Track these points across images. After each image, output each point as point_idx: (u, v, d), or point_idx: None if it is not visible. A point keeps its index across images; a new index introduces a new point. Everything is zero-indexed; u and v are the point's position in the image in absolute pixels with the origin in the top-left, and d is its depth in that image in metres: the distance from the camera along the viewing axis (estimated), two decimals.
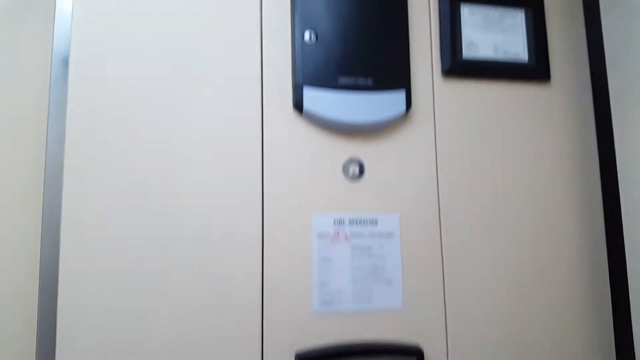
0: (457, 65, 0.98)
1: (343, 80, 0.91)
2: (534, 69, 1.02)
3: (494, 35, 1.01)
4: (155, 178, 0.85)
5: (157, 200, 0.84)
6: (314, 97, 0.89)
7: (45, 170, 0.83)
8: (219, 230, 0.85)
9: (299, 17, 0.91)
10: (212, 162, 0.87)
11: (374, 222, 0.91)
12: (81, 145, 0.83)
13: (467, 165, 0.97)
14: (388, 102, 0.92)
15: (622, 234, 0.95)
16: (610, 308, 0.99)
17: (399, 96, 0.93)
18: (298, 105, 0.90)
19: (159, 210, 0.84)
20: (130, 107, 0.86)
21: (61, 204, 0.81)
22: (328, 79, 0.90)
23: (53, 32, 0.87)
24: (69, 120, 0.84)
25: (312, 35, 0.91)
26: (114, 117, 0.85)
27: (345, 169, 0.91)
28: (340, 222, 0.90)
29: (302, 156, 0.90)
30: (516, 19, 1.03)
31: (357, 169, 0.92)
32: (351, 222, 0.90)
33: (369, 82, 0.92)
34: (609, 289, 1.00)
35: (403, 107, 0.93)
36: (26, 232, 0.91)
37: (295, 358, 0.84)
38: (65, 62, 0.86)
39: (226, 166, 0.87)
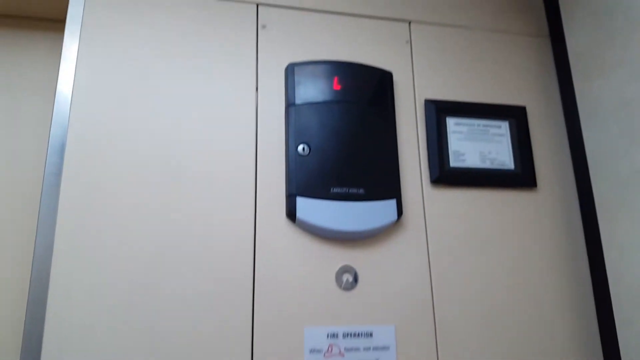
0: (444, 174, 1.01)
1: (335, 190, 0.93)
2: (520, 176, 1.05)
3: (479, 145, 1.05)
4: (145, 280, 0.84)
5: (147, 307, 0.82)
6: (307, 206, 0.91)
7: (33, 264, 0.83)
8: (206, 345, 0.83)
9: (293, 130, 0.95)
10: (203, 270, 0.86)
11: (369, 334, 0.89)
12: (71, 237, 0.83)
13: (460, 269, 0.97)
14: (380, 211, 0.94)
15: (616, 335, 0.94)
16: None
17: (390, 205, 0.95)
18: (291, 214, 0.91)
19: (146, 321, 0.82)
20: (122, 208, 0.86)
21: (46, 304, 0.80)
22: (321, 189, 0.92)
23: (51, 118, 0.89)
24: (61, 210, 0.84)
25: (306, 148, 0.94)
26: (106, 213, 0.85)
27: (338, 278, 0.91)
28: (334, 335, 0.88)
29: (294, 265, 0.90)
30: (500, 129, 1.08)
31: (350, 278, 0.91)
32: (345, 335, 0.88)
33: (361, 191, 0.94)
34: None
35: (394, 215, 0.95)
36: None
37: None
38: (61, 148, 0.88)
39: (217, 275, 0.87)
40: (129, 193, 0.88)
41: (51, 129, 0.89)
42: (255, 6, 1.03)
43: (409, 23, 1.12)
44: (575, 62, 1.08)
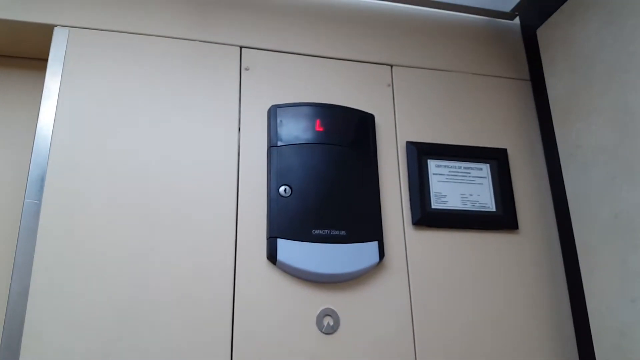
0: (426, 216, 1.01)
1: (317, 232, 0.92)
2: (502, 218, 1.06)
3: (460, 187, 1.06)
4: (120, 328, 0.81)
5: (121, 352, 0.80)
6: (288, 249, 0.90)
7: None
8: None
9: (275, 172, 0.95)
10: (181, 313, 0.84)
11: None
12: (46, 281, 0.81)
13: (442, 311, 0.97)
14: (362, 253, 0.94)
15: None
16: None
17: (372, 247, 0.95)
18: (272, 256, 0.90)
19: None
20: (98, 249, 0.85)
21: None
22: (302, 231, 0.92)
23: (31, 156, 0.89)
24: (37, 251, 0.83)
25: (288, 189, 0.94)
26: (82, 255, 0.84)
27: (319, 321, 0.89)
28: None
29: (275, 308, 0.89)
30: (482, 171, 1.09)
31: (331, 321, 0.90)
32: None
33: (343, 233, 0.93)
34: None
35: (376, 257, 0.94)
36: None
37: None
38: (40, 188, 0.86)
39: (195, 319, 0.85)
40: (106, 234, 0.86)
41: (30, 166, 0.88)
42: (239, 49, 1.05)
43: (391, 67, 1.14)
44: (555, 106, 1.11)
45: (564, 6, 1.10)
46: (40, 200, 0.86)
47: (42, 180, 0.87)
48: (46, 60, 0.96)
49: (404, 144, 1.07)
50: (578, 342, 1.01)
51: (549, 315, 1.02)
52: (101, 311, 0.82)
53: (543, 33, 1.17)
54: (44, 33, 0.98)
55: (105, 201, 0.88)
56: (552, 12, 1.13)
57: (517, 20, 1.28)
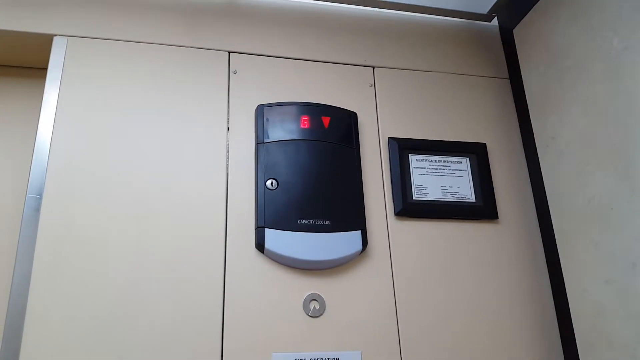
0: (407, 207, 1.06)
1: (302, 222, 0.97)
2: (482, 209, 1.10)
3: (441, 179, 1.11)
4: (118, 311, 0.87)
5: (119, 337, 0.85)
6: (275, 238, 0.95)
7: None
8: None
9: (262, 167, 1.01)
10: (174, 299, 0.89)
11: None
12: (48, 270, 0.86)
13: (424, 297, 1.01)
14: (345, 242, 0.98)
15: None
16: None
17: (356, 236, 0.99)
18: (260, 245, 0.95)
19: (119, 350, 0.84)
20: (97, 241, 0.91)
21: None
22: (288, 221, 0.97)
23: (30, 172, 0.94)
24: (38, 246, 0.88)
25: (274, 183, 0.99)
26: (82, 247, 0.89)
27: (305, 305, 0.94)
28: None
29: (263, 293, 0.94)
30: (461, 165, 1.14)
31: (317, 305, 0.94)
32: None
33: (327, 223, 0.98)
34: None
35: (359, 245, 0.99)
36: None
37: None
38: (40, 190, 0.92)
39: (188, 303, 0.90)
40: (104, 227, 0.92)
41: (31, 168, 0.93)
42: (227, 53, 1.11)
43: (373, 68, 1.19)
44: (532, 100, 1.16)
45: (538, 5, 1.15)
46: (41, 196, 0.91)
47: (42, 178, 0.93)
48: (46, 69, 1.02)
49: (386, 140, 1.12)
50: (559, 325, 1.05)
51: (530, 300, 1.06)
52: (101, 294, 0.87)
53: (519, 32, 1.22)
54: (44, 42, 1.04)
55: (102, 198, 0.94)
56: (528, 12, 1.19)
57: (495, 21, 1.34)
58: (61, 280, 0.87)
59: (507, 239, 1.11)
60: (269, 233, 0.95)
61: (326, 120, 1.07)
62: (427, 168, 1.11)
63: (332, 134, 1.06)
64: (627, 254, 0.88)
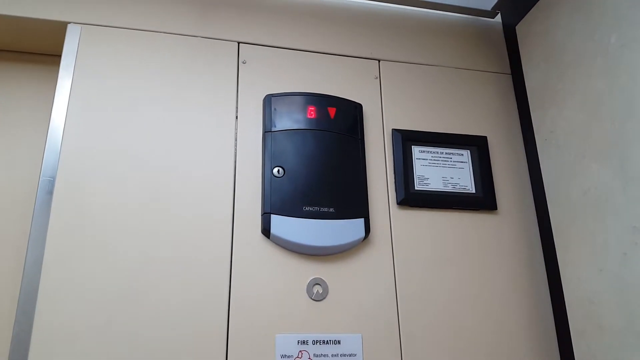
0: (409, 197, 1.09)
1: (307, 208, 1.01)
2: (481, 199, 1.14)
3: (442, 170, 1.14)
4: (129, 291, 0.90)
5: (130, 315, 0.88)
6: (280, 223, 0.98)
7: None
8: (185, 350, 0.88)
9: (269, 155, 1.04)
10: (183, 282, 0.93)
11: (337, 342, 0.95)
12: (60, 251, 0.89)
13: (424, 284, 1.04)
14: (349, 229, 1.02)
15: (572, 344, 1.00)
16: None
17: (359, 223, 1.03)
18: (266, 230, 0.98)
19: (129, 327, 0.88)
20: (109, 224, 0.94)
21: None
22: (294, 208, 1.00)
23: (43, 155, 0.97)
24: (51, 226, 0.91)
25: (281, 170, 1.02)
26: (94, 227, 0.93)
27: (309, 289, 0.97)
28: (304, 342, 0.93)
29: (268, 277, 0.97)
30: (463, 157, 1.17)
31: (320, 289, 0.98)
32: (315, 342, 0.94)
33: (331, 210, 1.01)
34: None
35: (362, 233, 1.02)
36: None
37: None
38: (53, 172, 0.95)
39: (196, 285, 0.93)
40: (115, 211, 0.95)
41: (45, 152, 0.96)
42: (237, 44, 1.14)
43: (379, 61, 1.22)
44: (532, 95, 1.19)
45: (540, 2, 1.18)
46: (54, 178, 0.94)
47: (55, 162, 0.96)
48: (60, 55, 1.05)
49: (390, 131, 1.15)
50: (554, 311, 1.08)
51: (526, 287, 1.10)
52: (109, 277, 0.90)
53: (522, 28, 1.25)
54: (58, 30, 1.07)
55: (114, 182, 0.97)
56: (530, 9, 1.21)
57: (498, 17, 1.37)
58: (73, 261, 0.90)
59: (505, 228, 1.14)
60: (274, 219, 0.99)
61: (332, 111, 1.10)
62: (429, 159, 1.14)
63: (337, 124, 1.09)
64: (619, 243, 0.92)
